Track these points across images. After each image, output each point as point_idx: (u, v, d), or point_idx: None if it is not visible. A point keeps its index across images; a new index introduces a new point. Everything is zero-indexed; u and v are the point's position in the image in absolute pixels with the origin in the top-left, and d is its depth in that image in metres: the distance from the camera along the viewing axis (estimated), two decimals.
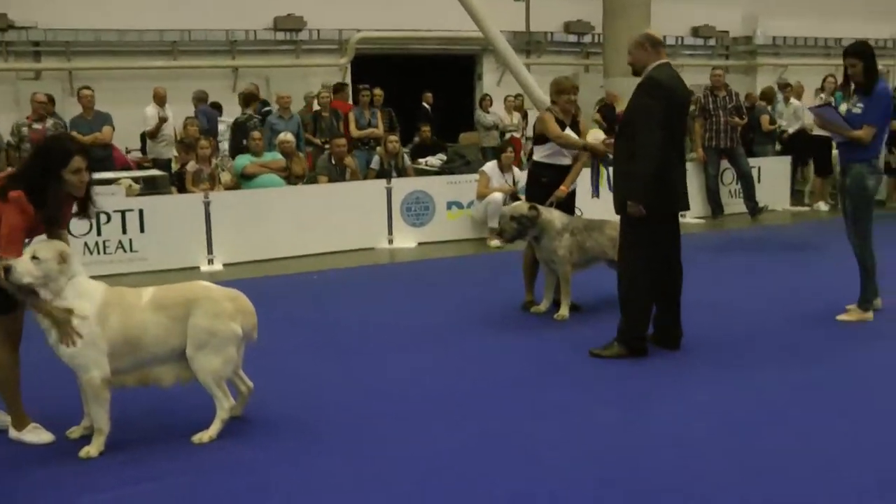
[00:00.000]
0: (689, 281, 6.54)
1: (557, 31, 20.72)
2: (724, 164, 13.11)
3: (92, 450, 4.65)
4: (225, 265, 9.79)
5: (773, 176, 13.82)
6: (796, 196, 14.38)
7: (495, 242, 10.84)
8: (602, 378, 5.84)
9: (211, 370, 4.82)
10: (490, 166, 11.16)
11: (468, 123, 19.18)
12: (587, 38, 20.85)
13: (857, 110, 7.08)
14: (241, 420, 5.10)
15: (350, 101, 14.61)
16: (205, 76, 16.08)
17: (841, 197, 7.44)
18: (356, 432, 4.98)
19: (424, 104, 16.21)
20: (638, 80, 6.22)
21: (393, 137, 11.90)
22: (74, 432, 4.95)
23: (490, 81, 20.16)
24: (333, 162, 11.07)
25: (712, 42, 22.22)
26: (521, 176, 11.20)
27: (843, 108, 12.59)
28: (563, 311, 7.44)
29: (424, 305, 8.08)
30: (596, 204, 8.14)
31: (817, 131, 13.73)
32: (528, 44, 20.24)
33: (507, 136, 15.80)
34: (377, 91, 13.47)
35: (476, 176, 11.31)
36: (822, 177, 14.02)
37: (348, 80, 17.64)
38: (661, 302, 6.40)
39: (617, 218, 6.41)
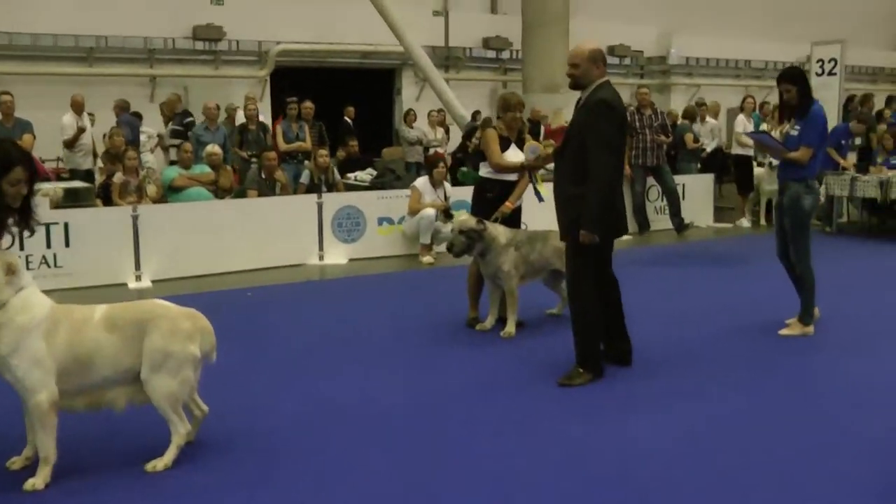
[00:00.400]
0: (628, 296, 6.57)
1: (476, 46, 20.75)
2: (650, 181, 13.33)
3: (38, 481, 4.35)
4: (153, 281, 9.49)
5: (697, 193, 14.12)
6: (718, 212, 14.67)
7: (428, 258, 10.78)
8: (560, 394, 5.79)
9: (167, 393, 4.59)
10: (422, 181, 11.07)
11: (387, 138, 19.12)
12: (505, 54, 20.93)
13: (794, 132, 7.28)
14: (196, 444, 4.86)
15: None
16: (122, 84, 15.60)
17: (777, 215, 7.59)
18: (315, 454, 4.82)
19: (346, 118, 16.02)
20: (577, 93, 6.02)
21: (323, 151, 11.73)
22: (16, 463, 4.63)
23: (409, 96, 20.06)
24: (263, 176, 10.85)
25: (627, 61, 22.53)
26: (453, 191, 11.17)
27: (763, 126, 13.04)
28: (510, 327, 7.37)
29: (367, 322, 7.93)
30: (541, 219, 8.12)
31: (737, 150, 14.09)
32: (447, 59, 20.24)
33: (431, 151, 15.74)
34: (306, 104, 13.25)
35: (407, 191, 11.21)
36: (743, 194, 14.34)
37: (267, 92, 17.37)
38: (608, 319, 6.37)
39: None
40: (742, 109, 14.62)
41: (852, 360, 6.64)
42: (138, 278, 9.40)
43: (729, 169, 15.53)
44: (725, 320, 7.79)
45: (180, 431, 4.66)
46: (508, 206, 7.52)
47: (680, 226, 13.26)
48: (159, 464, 4.59)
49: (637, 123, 13.00)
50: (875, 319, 7.92)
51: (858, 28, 23.00)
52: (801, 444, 4.96)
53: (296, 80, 17.53)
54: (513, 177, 7.54)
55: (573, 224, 5.84)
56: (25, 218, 4.65)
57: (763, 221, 14.17)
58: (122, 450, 4.84)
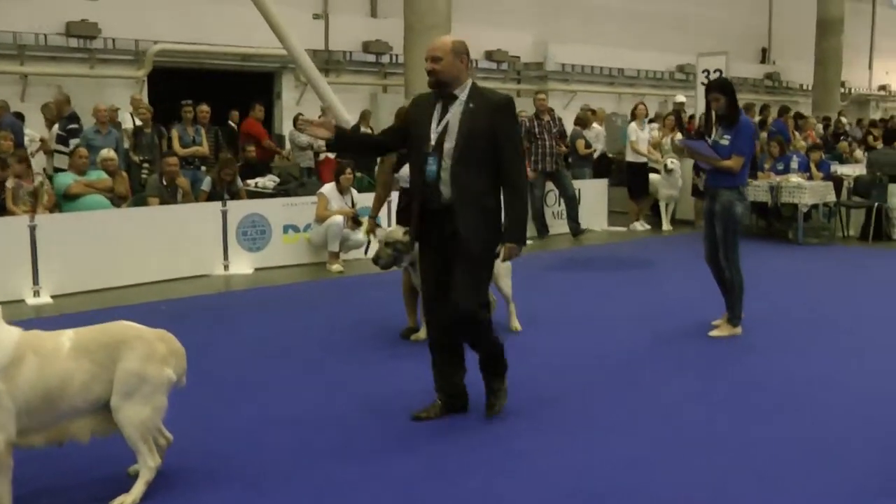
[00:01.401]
0: (541, 302, 6.55)
1: (356, 50, 20.47)
2: (548, 185, 13.45)
3: None
4: (53, 297, 8.86)
5: (592, 198, 14.36)
6: (610, 217, 14.96)
7: (337, 267, 10.50)
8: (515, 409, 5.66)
9: (139, 421, 4.21)
10: (328, 188, 10.78)
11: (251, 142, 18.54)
12: (385, 59, 20.74)
13: (724, 142, 7.43)
14: (160, 474, 4.43)
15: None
16: None
17: (707, 220, 7.72)
18: (282, 477, 4.55)
19: (231, 123, 15.48)
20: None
21: (228, 158, 11.26)
22: None
23: (290, 100, 19.62)
24: (165, 182, 10.32)
25: (505, 66, 22.70)
26: (360, 198, 10.92)
27: (652, 133, 13.37)
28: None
29: (292, 333, 7.63)
30: None
31: (631, 157, 14.35)
32: (327, 62, 19.88)
33: (322, 156, 15.39)
34: (202, 107, 12.71)
35: (313, 198, 10.89)
36: (635, 199, 14.64)
37: (145, 93, 16.63)
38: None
39: None
40: (634, 117, 14.85)
41: (786, 358, 6.86)
42: (37, 293, 8.77)
43: (613, 173, 15.90)
44: (651, 324, 7.90)
45: (149, 465, 4.27)
46: None
47: (577, 230, 13.52)
48: (127, 500, 4.21)
49: (536, 129, 13.10)
50: (790, 318, 8.21)
51: (723, 41, 23.81)
52: (766, 444, 4.99)
53: (173, 82, 16.88)
54: None
55: (490, 240, 5.17)
56: None
57: (667, 226, 14.58)
58: (84, 486, 4.43)
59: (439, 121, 5.13)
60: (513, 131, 5.29)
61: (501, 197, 5.22)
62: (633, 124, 14.58)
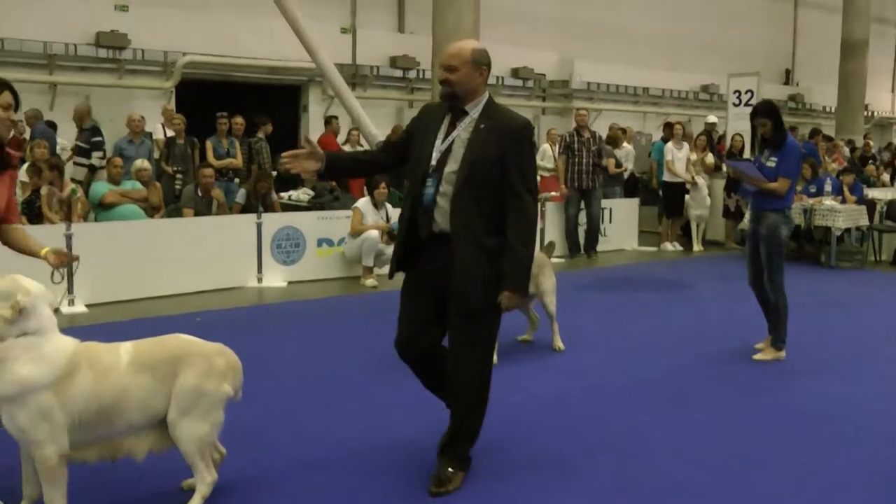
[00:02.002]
0: (583, 321, 6.61)
1: (383, 65, 20.46)
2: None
3: None
4: (88, 306, 8.80)
5: (622, 216, 14.29)
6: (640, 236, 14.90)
7: (371, 281, 10.42)
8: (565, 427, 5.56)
9: (197, 437, 4.13)
10: (363, 202, 10.72)
11: None
12: (412, 74, 20.71)
13: (770, 164, 7.41)
14: (215, 490, 4.35)
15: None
16: (19, 91, 14.56)
17: (751, 243, 7.66)
18: (334, 491, 4.49)
19: (260, 135, 15.42)
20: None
21: (262, 172, 11.22)
22: None
23: (316, 113, 19.59)
24: (200, 194, 10.27)
25: (530, 83, 22.65)
26: (395, 213, 10.86)
27: (688, 155, 13.27)
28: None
29: (328, 348, 7.58)
30: None
31: (668, 176, 14.27)
32: (354, 77, 19.83)
33: None
34: (237, 119, 12.69)
35: (347, 212, 10.84)
36: (671, 219, 14.56)
37: (173, 104, 16.62)
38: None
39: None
40: (670, 137, 14.78)
41: (834, 383, 6.79)
42: (71, 303, 8.70)
43: (640, 193, 15.89)
44: (693, 346, 7.84)
45: (206, 480, 4.20)
46: None
47: (591, 251, 13.50)
48: None
49: (575, 145, 13.03)
50: (831, 342, 8.13)
51: (747, 62, 23.73)
52: (814, 470, 4.91)
53: (201, 93, 16.88)
54: None
55: (491, 288, 4.38)
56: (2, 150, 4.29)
57: (699, 247, 14.51)
58: (137, 500, 4.36)
59: (444, 138, 4.44)
60: (527, 162, 4.45)
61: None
62: (670, 144, 14.49)
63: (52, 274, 4.41)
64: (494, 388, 6.17)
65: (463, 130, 4.42)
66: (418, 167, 4.49)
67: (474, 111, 4.43)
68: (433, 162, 4.43)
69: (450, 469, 4.62)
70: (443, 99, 4.51)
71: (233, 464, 4.59)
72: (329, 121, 14.44)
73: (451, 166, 4.39)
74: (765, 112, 7.41)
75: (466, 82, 4.39)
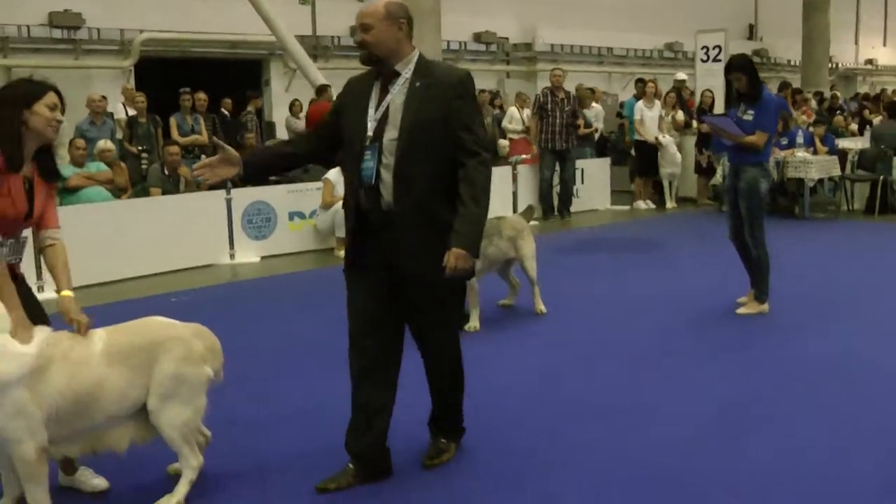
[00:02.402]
0: (567, 283, 6.70)
1: (344, 35, 20.18)
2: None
3: None
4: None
5: (595, 177, 14.25)
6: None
7: (342, 253, 10.24)
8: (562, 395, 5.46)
9: (180, 423, 3.97)
10: (334, 174, 10.51)
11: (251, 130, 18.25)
12: None
13: (748, 118, 7.36)
14: (201, 474, 4.17)
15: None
16: None
17: (730, 198, 7.64)
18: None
19: (224, 111, 15.16)
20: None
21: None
22: None
23: (278, 87, 19.32)
24: (167, 172, 10.04)
25: (493, 48, 22.49)
26: None
27: (660, 112, 13.20)
28: (474, 321, 7.07)
29: (308, 323, 7.41)
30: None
31: (639, 136, 14.21)
32: (315, 48, 19.57)
33: None
34: (200, 95, 12.44)
35: (318, 184, 10.66)
36: (643, 177, 14.52)
37: (132, 83, 16.28)
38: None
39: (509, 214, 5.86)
40: (642, 95, 14.68)
41: (819, 335, 6.79)
42: (41, 289, 8.41)
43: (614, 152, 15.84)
44: (675, 305, 7.78)
45: (192, 465, 4.05)
46: None
47: (565, 212, 13.48)
48: (171, 501, 3.99)
49: (549, 105, 12.91)
50: (813, 295, 8.11)
51: (711, 20, 23.62)
52: (810, 431, 4.86)
53: (161, 71, 16.57)
54: None
55: (437, 256, 3.92)
56: (49, 162, 4.12)
57: (672, 203, 14.52)
58: (122, 490, 4.20)
59: (377, 106, 4.02)
60: (474, 117, 4.07)
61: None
62: (641, 103, 14.42)
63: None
64: (482, 356, 6.12)
65: (397, 93, 4.00)
66: (354, 143, 4.04)
67: (406, 70, 4.02)
68: (369, 133, 3.99)
69: (442, 440, 4.48)
70: (364, 64, 4.07)
71: (218, 447, 4.46)
72: (324, 89, 14.12)
73: (391, 133, 3.97)
74: (739, 66, 7.35)
75: (385, 40, 3.96)
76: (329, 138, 4.26)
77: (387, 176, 3.97)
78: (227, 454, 4.53)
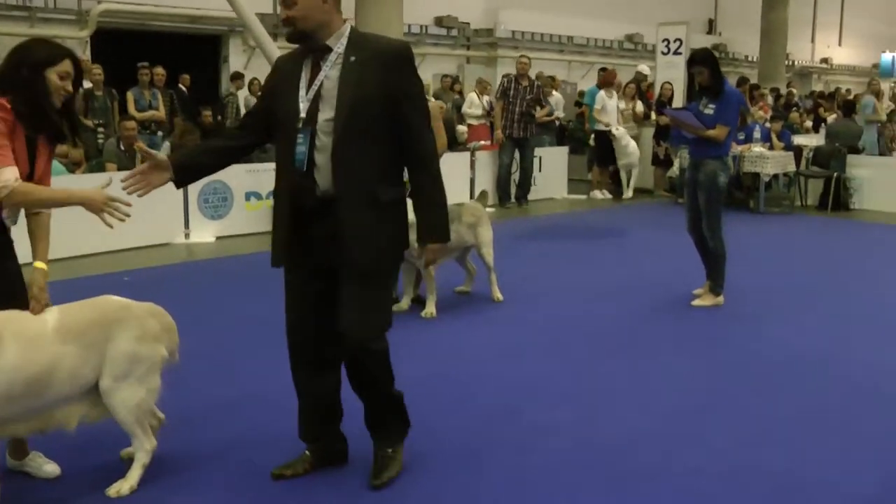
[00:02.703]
0: (518, 270, 6.90)
1: None
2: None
3: None
4: None
5: (552, 166, 14.28)
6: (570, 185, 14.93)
7: None
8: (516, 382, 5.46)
9: (134, 404, 3.90)
10: None
11: (214, 107, 18.06)
12: None
13: (709, 111, 7.41)
14: (156, 457, 4.09)
15: None
16: None
17: (689, 191, 7.69)
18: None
19: (182, 86, 14.94)
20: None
21: (186, 125, 10.84)
22: None
23: (237, 64, 19.08)
24: (123, 148, 9.87)
25: (455, 32, 22.41)
26: None
27: (619, 104, 13.23)
28: (430, 307, 7.07)
29: (264, 304, 7.25)
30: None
31: (599, 125, 14.25)
32: (276, 27, 19.34)
33: None
34: (158, 70, 12.23)
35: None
36: (602, 167, 14.58)
37: (88, 55, 15.98)
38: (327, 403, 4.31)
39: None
40: (603, 85, 14.73)
41: (773, 326, 6.90)
42: None
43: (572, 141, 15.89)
44: (631, 294, 7.86)
45: (146, 448, 3.98)
46: None
47: (522, 200, 13.49)
48: (124, 486, 3.92)
49: (511, 92, 12.90)
50: (767, 287, 8.26)
51: (671, 12, 23.75)
52: (762, 413, 4.99)
53: (117, 43, 16.27)
54: None
55: (388, 247, 3.85)
56: (71, 121, 4.12)
57: (629, 194, 14.59)
58: (74, 475, 4.11)
59: (308, 85, 3.72)
60: (416, 90, 3.80)
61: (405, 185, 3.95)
62: (602, 93, 14.45)
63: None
64: (438, 341, 6.11)
65: (330, 70, 3.69)
66: (287, 127, 3.74)
67: (338, 45, 3.70)
68: (302, 114, 3.69)
69: (389, 450, 4.10)
70: (291, 41, 3.75)
71: (173, 429, 4.38)
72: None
73: (326, 114, 3.68)
74: (702, 60, 7.39)
75: (311, 14, 3.63)
76: (262, 124, 3.98)
77: (322, 160, 3.69)
78: (182, 437, 4.45)
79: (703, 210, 7.45)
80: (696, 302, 7.56)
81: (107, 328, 3.87)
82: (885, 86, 22.07)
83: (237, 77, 15.64)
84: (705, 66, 7.31)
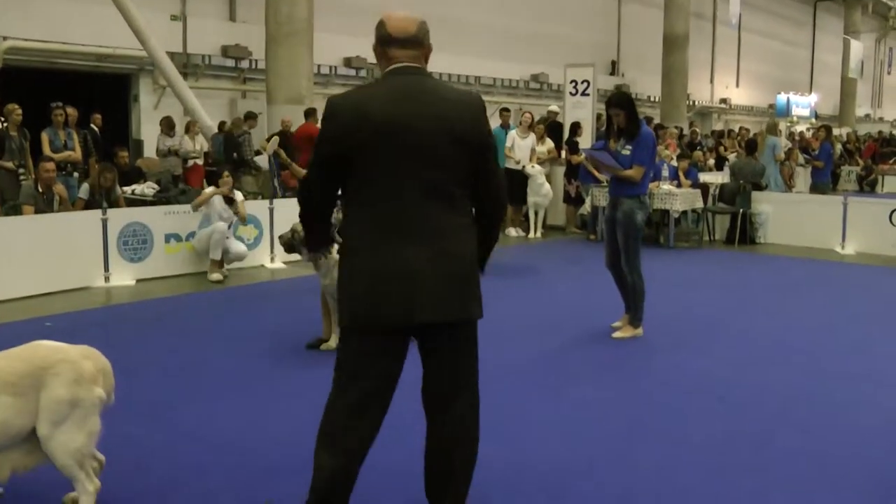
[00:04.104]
0: None
1: (215, 54, 19.95)
2: None
3: None
4: None
5: None
6: None
7: (216, 276, 10.14)
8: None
9: (74, 449, 3.87)
10: (211, 190, 10.38)
11: (123, 147, 17.83)
12: (244, 64, 20.30)
13: (626, 152, 7.66)
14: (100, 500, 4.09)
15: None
16: None
17: (608, 228, 7.93)
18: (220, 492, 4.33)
19: (94, 126, 14.76)
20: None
21: (104, 166, 10.68)
22: None
23: (147, 103, 18.93)
24: (40, 189, 9.70)
25: (363, 73, 22.61)
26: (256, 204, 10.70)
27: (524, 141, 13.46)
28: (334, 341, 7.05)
29: (186, 349, 7.29)
30: None
31: (510, 164, 14.51)
32: (186, 66, 19.27)
33: (190, 163, 14.89)
34: (70, 110, 12.05)
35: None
36: (514, 205, 14.80)
37: None
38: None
39: None
40: (506, 125, 15.02)
41: (691, 356, 7.18)
42: None
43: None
44: (551, 330, 8.02)
45: (89, 490, 3.96)
46: None
47: None
48: None
49: None
50: (682, 319, 8.56)
51: (575, 54, 24.46)
52: (684, 439, 5.17)
53: (22, 81, 15.96)
54: None
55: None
56: None
57: (534, 234, 14.76)
58: None
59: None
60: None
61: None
62: (515, 132, 14.69)
63: None
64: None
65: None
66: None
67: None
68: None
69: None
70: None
71: (114, 470, 4.35)
72: (313, 111, 14.19)
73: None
74: (618, 103, 7.65)
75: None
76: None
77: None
78: (123, 477, 4.43)
79: (621, 246, 7.68)
80: (616, 334, 7.78)
81: (39, 376, 3.84)
82: (782, 125, 23.00)
83: (250, 117, 16.30)
84: (622, 108, 7.58)
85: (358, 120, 3.46)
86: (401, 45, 3.69)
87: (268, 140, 12.77)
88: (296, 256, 7.35)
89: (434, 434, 3.85)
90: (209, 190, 10.38)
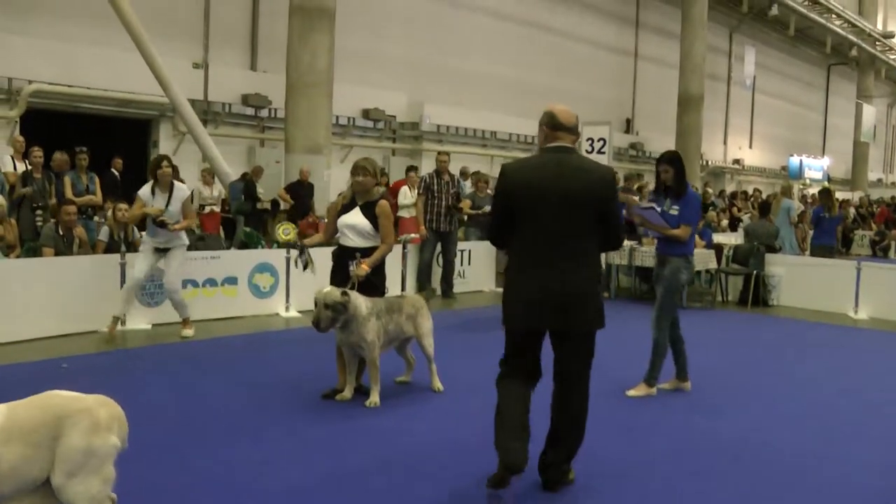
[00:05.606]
0: (454, 360, 7.36)
1: (235, 102, 20.20)
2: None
3: None
4: None
5: (481, 258, 14.51)
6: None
7: (188, 332, 9.84)
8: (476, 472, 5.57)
9: (89, 497, 3.86)
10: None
11: None
12: (264, 112, 20.55)
13: (673, 211, 7.77)
14: None
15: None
16: None
17: (656, 284, 7.95)
18: None
19: (113, 170, 14.94)
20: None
21: (123, 206, 10.74)
22: None
23: (166, 148, 19.09)
24: (61, 232, 9.80)
25: (381, 125, 22.83)
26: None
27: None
28: (374, 397, 7.14)
29: (215, 393, 7.34)
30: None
31: None
32: (206, 113, 19.50)
33: (207, 209, 15.02)
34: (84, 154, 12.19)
35: (211, 252, 10.59)
36: None
37: (18, 134, 15.86)
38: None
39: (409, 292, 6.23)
40: None
41: (704, 417, 7.18)
42: None
43: None
44: None
45: None
46: (364, 268, 7.24)
47: (448, 292, 13.65)
48: None
49: (435, 187, 13.18)
50: (696, 377, 8.33)
51: (591, 111, 24.57)
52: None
53: (45, 124, 16.20)
54: (352, 242, 7.37)
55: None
56: None
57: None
58: None
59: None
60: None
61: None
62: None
63: None
64: (386, 430, 6.19)
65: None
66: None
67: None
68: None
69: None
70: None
71: None
72: (413, 168, 15.74)
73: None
74: (669, 160, 7.83)
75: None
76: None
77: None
78: None
79: (657, 302, 7.75)
80: (630, 392, 7.78)
81: (56, 426, 3.83)
82: (795, 188, 23.09)
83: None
84: (671, 165, 7.76)
85: (521, 186, 5.12)
86: (566, 130, 5.28)
87: (280, 229, 13.02)
88: (310, 305, 7.36)
89: (557, 402, 5.53)
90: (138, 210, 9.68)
